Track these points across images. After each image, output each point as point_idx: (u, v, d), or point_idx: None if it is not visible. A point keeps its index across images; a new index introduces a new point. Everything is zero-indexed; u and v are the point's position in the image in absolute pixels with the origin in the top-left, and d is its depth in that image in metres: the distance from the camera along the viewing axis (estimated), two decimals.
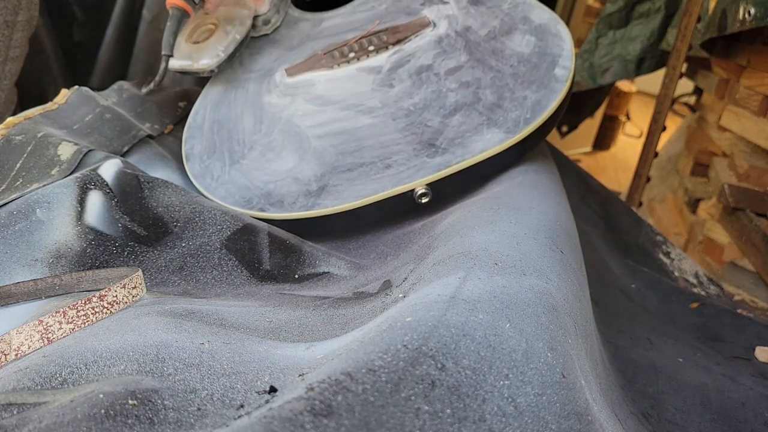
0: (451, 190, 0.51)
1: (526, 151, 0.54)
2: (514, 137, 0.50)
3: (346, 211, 0.50)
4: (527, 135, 0.50)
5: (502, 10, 0.56)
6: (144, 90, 0.62)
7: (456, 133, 0.51)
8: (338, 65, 0.55)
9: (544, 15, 0.56)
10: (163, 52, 0.57)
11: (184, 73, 0.56)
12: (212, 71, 0.56)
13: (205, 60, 0.55)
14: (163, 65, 0.57)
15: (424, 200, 0.49)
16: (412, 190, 0.50)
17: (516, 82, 0.52)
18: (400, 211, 0.51)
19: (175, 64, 0.56)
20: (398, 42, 0.55)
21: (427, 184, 0.49)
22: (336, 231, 0.54)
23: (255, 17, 0.59)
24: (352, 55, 0.55)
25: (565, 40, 0.54)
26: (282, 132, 0.53)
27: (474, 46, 0.54)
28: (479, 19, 0.56)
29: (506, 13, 0.56)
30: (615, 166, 1.96)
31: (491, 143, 0.50)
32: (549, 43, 0.54)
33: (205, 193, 0.52)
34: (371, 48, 0.55)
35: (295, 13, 0.61)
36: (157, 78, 0.59)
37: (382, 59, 0.55)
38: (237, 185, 0.52)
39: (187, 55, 0.56)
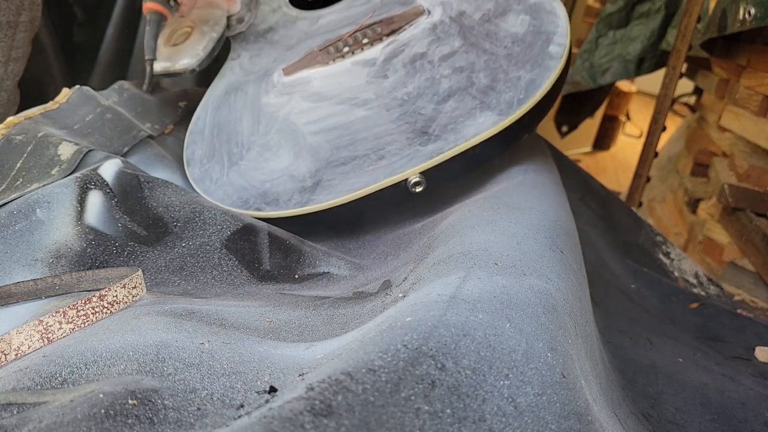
0: (445, 177, 0.50)
1: (522, 134, 0.53)
2: (507, 119, 0.49)
3: (341, 205, 0.50)
4: (521, 116, 0.49)
5: None
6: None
7: (449, 119, 0.50)
8: (333, 61, 0.55)
9: None
10: (146, 57, 0.58)
11: (166, 75, 0.57)
12: (193, 70, 0.57)
13: (186, 60, 0.56)
14: (148, 69, 0.58)
15: (418, 189, 0.49)
16: (406, 180, 0.49)
17: (510, 63, 0.51)
18: (396, 201, 0.51)
19: (156, 66, 0.57)
20: (392, 33, 0.55)
21: (421, 173, 0.49)
22: (333, 226, 0.54)
23: (228, 17, 0.61)
24: (346, 49, 0.55)
25: (559, 17, 0.52)
26: (279, 131, 0.53)
27: (468, 31, 0.53)
28: (473, 3, 0.55)
29: None
30: (615, 166, 1.96)
31: (484, 126, 0.49)
32: (543, 20, 0.52)
33: (205, 196, 0.52)
34: (365, 41, 0.55)
35: (293, 12, 0.61)
36: (145, 85, 0.61)
37: (376, 51, 0.54)
38: (235, 186, 0.52)
39: (167, 58, 0.57)
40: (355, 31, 0.56)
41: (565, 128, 1.45)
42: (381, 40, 0.55)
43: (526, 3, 0.54)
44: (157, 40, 0.59)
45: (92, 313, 0.34)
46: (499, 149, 0.52)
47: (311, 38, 0.58)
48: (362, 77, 0.53)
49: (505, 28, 0.53)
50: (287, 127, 0.53)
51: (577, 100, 1.36)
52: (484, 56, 0.52)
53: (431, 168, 0.49)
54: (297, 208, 0.50)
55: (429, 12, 0.55)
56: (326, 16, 0.60)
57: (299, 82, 0.55)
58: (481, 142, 0.49)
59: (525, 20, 0.53)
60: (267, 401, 0.26)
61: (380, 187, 0.49)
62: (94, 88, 0.57)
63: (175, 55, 0.57)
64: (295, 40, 0.59)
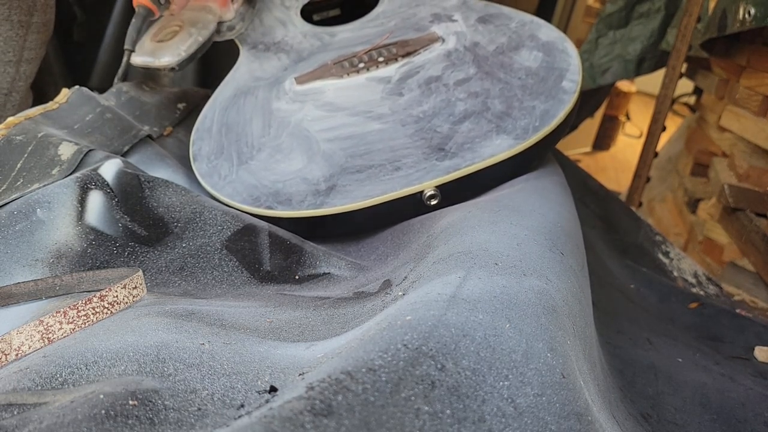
0: (459, 193, 0.51)
1: (534, 159, 0.55)
2: (523, 143, 0.51)
3: (354, 211, 0.50)
4: (536, 142, 0.51)
5: (510, 28, 0.58)
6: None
7: (465, 139, 0.51)
8: (348, 75, 0.57)
9: (552, 33, 0.57)
10: (125, 47, 0.59)
11: (146, 68, 0.59)
12: (173, 69, 0.58)
13: (167, 58, 0.58)
14: (125, 59, 0.59)
15: (433, 202, 0.50)
16: (421, 192, 0.50)
17: (524, 93, 0.53)
18: (409, 212, 0.52)
19: (137, 59, 0.59)
20: (408, 54, 0.57)
21: (436, 186, 0.50)
22: (343, 231, 0.54)
23: (220, 23, 0.62)
24: (362, 65, 0.57)
25: (572, 56, 0.55)
26: (291, 135, 0.54)
27: (482, 60, 0.56)
28: (487, 36, 0.58)
29: (514, 31, 0.58)
30: (615, 166, 1.96)
31: (500, 148, 0.50)
32: (556, 58, 0.55)
33: (212, 191, 0.52)
34: (381, 59, 0.57)
35: (305, 27, 0.63)
36: (119, 72, 0.62)
37: (391, 70, 0.56)
38: (245, 184, 0.52)
39: (150, 53, 0.58)
40: (371, 49, 0.58)
41: None
42: (396, 60, 0.57)
43: (539, 41, 0.57)
44: (144, 34, 0.60)
45: (93, 314, 0.34)
46: (513, 171, 0.53)
47: (324, 52, 0.60)
48: (377, 93, 0.55)
49: (518, 61, 0.55)
50: (300, 132, 0.54)
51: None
52: (498, 84, 0.54)
53: (447, 183, 0.50)
54: (310, 210, 0.50)
55: (443, 40, 0.58)
56: (339, 33, 0.62)
57: (312, 91, 0.56)
58: (497, 163, 0.50)
59: (538, 56, 0.56)
60: (267, 401, 0.26)
61: (396, 197, 0.50)
62: (93, 88, 0.58)
63: (158, 51, 0.58)
64: (307, 52, 0.61)
